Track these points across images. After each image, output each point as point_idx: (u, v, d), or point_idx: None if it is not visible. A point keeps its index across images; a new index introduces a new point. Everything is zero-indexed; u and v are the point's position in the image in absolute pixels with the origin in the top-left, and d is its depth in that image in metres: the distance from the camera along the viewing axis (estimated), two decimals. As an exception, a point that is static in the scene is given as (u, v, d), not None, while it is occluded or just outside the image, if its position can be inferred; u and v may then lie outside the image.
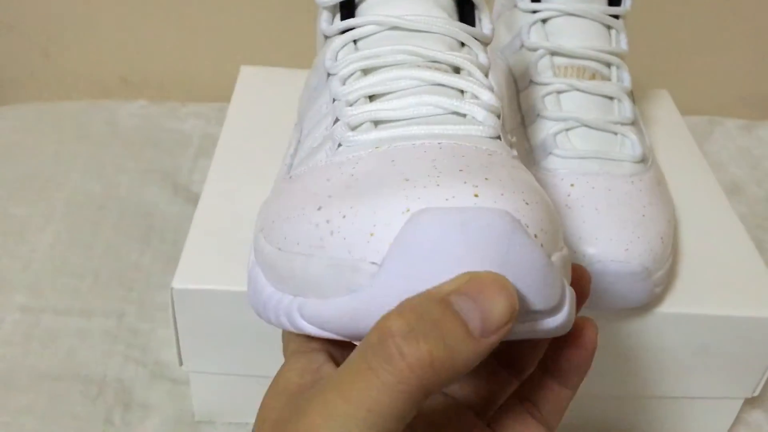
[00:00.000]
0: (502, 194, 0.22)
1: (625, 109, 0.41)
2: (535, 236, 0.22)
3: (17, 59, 0.75)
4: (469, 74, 0.30)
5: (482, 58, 0.31)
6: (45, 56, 0.75)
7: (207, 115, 0.71)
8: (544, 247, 0.23)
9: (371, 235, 0.22)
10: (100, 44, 0.75)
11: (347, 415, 0.20)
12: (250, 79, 0.56)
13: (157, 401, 0.46)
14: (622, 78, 0.43)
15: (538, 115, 0.41)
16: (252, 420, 0.44)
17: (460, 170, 0.24)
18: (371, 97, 0.29)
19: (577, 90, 0.41)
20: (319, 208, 0.24)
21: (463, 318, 0.20)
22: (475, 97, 0.29)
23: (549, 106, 0.41)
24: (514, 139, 0.30)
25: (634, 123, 0.41)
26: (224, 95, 0.57)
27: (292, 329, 0.25)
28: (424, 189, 0.23)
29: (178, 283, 0.38)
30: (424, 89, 0.28)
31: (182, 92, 0.75)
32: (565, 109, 0.41)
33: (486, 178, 0.23)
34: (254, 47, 0.73)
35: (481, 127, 0.27)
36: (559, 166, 0.39)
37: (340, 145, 0.28)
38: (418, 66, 0.29)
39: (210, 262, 0.39)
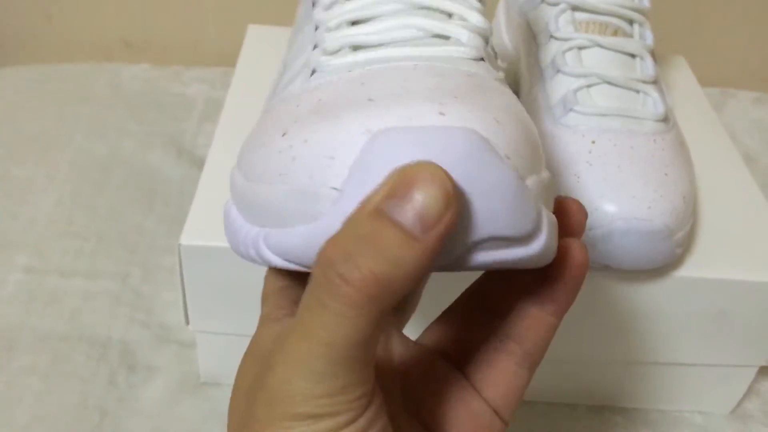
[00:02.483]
0: (470, 111, 0.21)
1: (647, 66, 0.40)
2: (507, 157, 0.21)
3: (19, 22, 0.74)
4: None
5: None
6: (47, 19, 0.74)
7: (211, 79, 0.70)
8: (517, 169, 0.21)
9: (331, 158, 0.21)
10: (102, 6, 0.73)
11: (309, 354, 0.20)
12: (258, 39, 0.54)
13: (162, 363, 0.45)
14: (644, 35, 0.41)
15: (559, 70, 0.40)
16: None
17: (429, 89, 0.22)
18: (354, 23, 0.27)
19: (599, 46, 0.40)
20: (284, 135, 0.23)
21: (398, 221, 0.19)
22: (463, 19, 0.27)
23: (570, 61, 0.40)
24: (504, 65, 0.28)
25: (656, 82, 0.40)
26: (229, 60, 0.55)
27: (260, 262, 0.24)
28: (386, 109, 0.21)
29: (186, 240, 0.37)
30: (408, 13, 0.26)
31: (186, 56, 0.73)
32: (587, 65, 0.40)
33: (455, 97, 0.21)
34: (262, 6, 0.71)
35: (463, 48, 0.25)
36: (580, 122, 0.38)
37: (314, 71, 0.26)
38: None
39: (218, 219, 0.38)
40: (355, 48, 0.26)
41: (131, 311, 0.48)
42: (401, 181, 0.19)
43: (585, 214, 0.26)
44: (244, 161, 0.26)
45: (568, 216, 0.25)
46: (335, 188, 0.21)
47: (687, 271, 0.38)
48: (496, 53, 0.28)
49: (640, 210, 0.35)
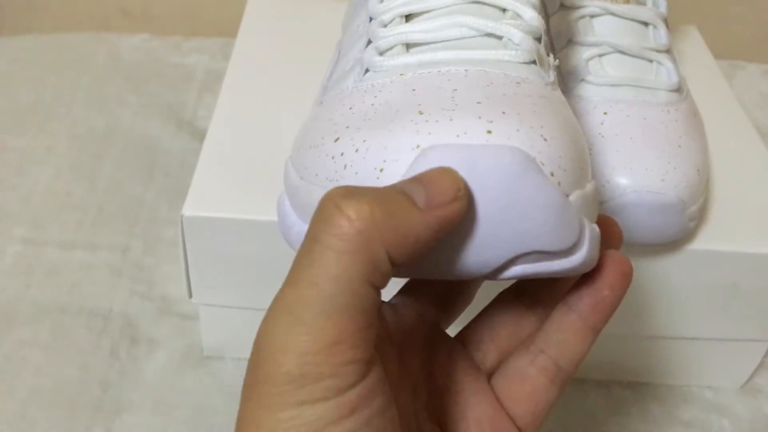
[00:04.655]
0: (517, 130, 0.21)
1: (660, 35, 0.39)
2: (552, 174, 0.21)
3: (14, -11, 0.72)
4: None
5: None
6: (43, -14, 0.72)
7: (211, 50, 0.68)
8: (562, 185, 0.21)
9: (381, 170, 0.22)
10: (101, -25, 0.72)
11: (294, 300, 0.19)
12: (259, 9, 0.53)
13: (164, 336, 0.45)
14: (657, 3, 0.40)
15: (570, 40, 0.39)
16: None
17: (478, 102, 0.22)
18: (408, 17, 0.27)
19: (611, 14, 0.39)
20: (336, 140, 0.24)
21: (407, 192, 0.20)
22: (517, 15, 0.27)
23: (581, 30, 0.39)
24: (556, 62, 0.28)
25: (669, 51, 0.39)
26: (229, 30, 0.54)
27: None
28: (436, 123, 0.22)
29: (188, 211, 0.36)
30: (461, 8, 0.27)
31: (186, 26, 0.72)
32: (599, 33, 0.39)
33: (503, 112, 0.22)
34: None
35: (514, 52, 0.25)
36: (591, 93, 0.37)
37: (367, 70, 0.26)
38: None
39: (221, 189, 0.38)
40: (408, 46, 0.26)
41: (132, 284, 0.47)
42: (423, 173, 0.20)
43: (620, 237, 0.26)
44: (298, 159, 0.26)
45: (608, 225, 0.25)
46: None
47: (699, 243, 0.38)
48: (551, 45, 0.28)
49: (653, 182, 0.34)
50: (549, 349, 0.26)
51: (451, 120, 0.22)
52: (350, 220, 0.19)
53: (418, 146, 0.21)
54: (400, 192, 0.20)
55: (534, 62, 0.26)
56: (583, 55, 0.38)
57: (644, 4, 0.40)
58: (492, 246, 0.21)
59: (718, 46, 0.56)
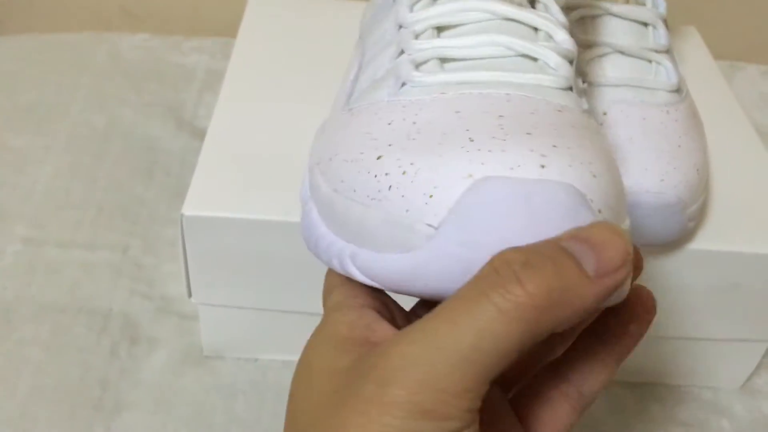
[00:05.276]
0: (569, 165, 0.22)
1: (660, 36, 0.39)
2: (599, 211, 0.22)
3: (14, -12, 0.72)
4: (545, 8, 0.28)
5: None
6: (43, -14, 0.72)
7: (212, 49, 0.68)
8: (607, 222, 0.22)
9: (430, 196, 0.22)
10: (101, -26, 0.72)
11: (454, 338, 0.19)
12: (259, 9, 0.53)
13: (164, 335, 0.45)
14: (657, 3, 0.40)
15: (570, 40, 0.39)
16: (262, 355, 0.44)
17: (528, 133, 0.22)
18: (439, 29, 0.28)
19: (611, 14, 0.39)
20: (379, 158, 0.23)
21: (578, 259, 0.20)
22: (549, 37, 0.27)
23: (581, 31, 0.39)
24: (585, 85, 0.28)
25: (668, 51, 0.39)
26: (230, 30, 0.54)
27: (341, 272, 0.24)
28: (489, 153, 0.22)
29: (188, 210, 0.37)
30: (495, 25, 0.27)
31: (186, 26, 0.72)
32: (598, 34, 0.39)
33: (554, 146, 0.22)
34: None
35: (552, 77, 0.25)
36: (590, 93, 0.37)
37: (403, 84, 0.26)
38: None
39: (221, 189, 0.38)
40: (443, 60, 0.26)
41: (132, 283, 0.47)
42: (585, 229, 0.20)
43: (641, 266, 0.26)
44: (332, 171, 0.26)
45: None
46: (431, 225, 0.21)
47: (698, 243, 0.38)
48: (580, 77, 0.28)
49: (652, 183, 0.34)
50: (573, 375, 0.26)
51: (503, 151, 0.22)
52: (529, 294, 0.19)
53: (470, 175, 0.21)
54: (568, 255, 0.20)
55: (570, 88, 0.26)
56: (582, 55, 0.38)
57: (644, 4, 0.40)
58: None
59: (717, 47, 0.56)
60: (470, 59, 0.26)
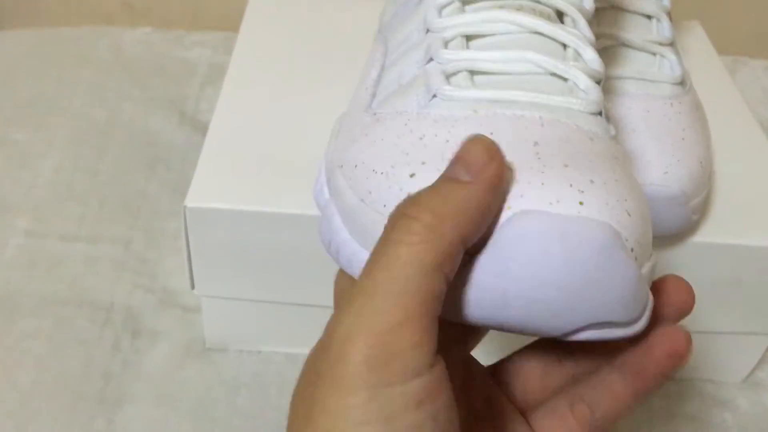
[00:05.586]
0: (606, 203, 0.22)
1: (663, 28, 0.39)
2: (632, 250, 0.22)
3: (16, -17, 0.72)
4: (573, 22, 0.28)
5: (587, 2, 0.29)
6: (45, -20, 0.72)
7: (213, 44, 0.68)
8: (638, 260, 0.22)
9: None
10: (103, -32, 0.72)
11: (368, 285, 0.20)
12: (261, 3, 0.53)
13: (166, 328, 0.45)
14: (661, -4, 0.40)
15: (573, 32, 0.39)
16: (265, 348, 0.44)
17: (565, 165, 0.22)
18: (468, 37, 0.27)
19: (614, 7, 0.39)
20: (412, 176, 0.24)
21: (452, 175, 0.22)
22: (578, 55, 0.27)
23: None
24: (609, 104, 0.28)
25: (672, 44, 0.39)
26: (232, 24, 0.54)
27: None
28: (528, 185, 0.22)
29: (191, 202, 0.37)
30: (524, 39, 0.27)
31: (188, 20, 0.72)
32: (602, 26, 0.38)
33: (591, 180, 0.22)
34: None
35: (582, 102, 0.25)
36: (594, 85, 0.37)
37: (434, 96, 0.26)
38: (520, 7, 0.27)
39: (224, 181, 0.38)
40: (473, 73, 0.26)
41: (134, 276, 0.47)
42: (456, 152, 0.22)
43: (690, 294, 0.26)
44: (359, 182, 0.26)
45: (667, 294, 0.26)
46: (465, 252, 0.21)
47: (702, 236, 0.38)
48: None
49: (656, 175, 0.34)
50: (588, 398, 0.26)
51: (542, 184, 0.22)
52: (416, 218, 0.20)
53: (509, 207, 0.21)
54: (446, 180, 0.22)
55: (600, 113, 0.26)
56: (586, 47, 0.38)
57: (648, -3, 0.40)
58: (568, 314, 0.21)
59: (721, 42, 0.56)
60: (500, 74, 0.26)
